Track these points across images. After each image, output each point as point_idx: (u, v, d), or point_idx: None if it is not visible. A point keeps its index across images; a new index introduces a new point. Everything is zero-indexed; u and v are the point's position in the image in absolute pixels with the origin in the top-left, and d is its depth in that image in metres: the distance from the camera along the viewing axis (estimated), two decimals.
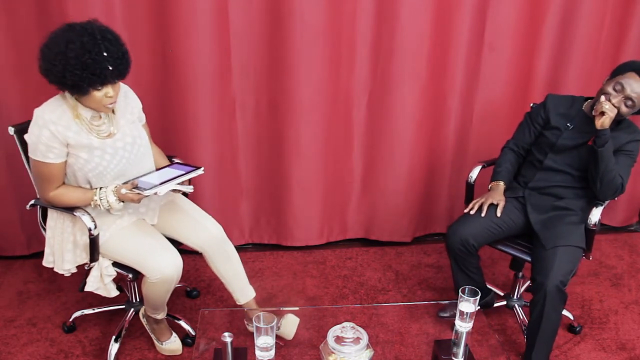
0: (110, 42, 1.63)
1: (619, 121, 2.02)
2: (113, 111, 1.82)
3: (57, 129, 1.69)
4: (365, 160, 2.80)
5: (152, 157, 1.96)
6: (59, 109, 1.72)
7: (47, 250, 1.96)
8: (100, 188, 1.80)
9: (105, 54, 1.60)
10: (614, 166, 1.96)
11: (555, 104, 2.16)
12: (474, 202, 2.12)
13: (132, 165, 1.85)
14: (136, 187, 1.77)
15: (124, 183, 1.82)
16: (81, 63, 1.57)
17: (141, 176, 1.85)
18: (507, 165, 2.22)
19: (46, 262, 1.97)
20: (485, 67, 2.68)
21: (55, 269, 1.95)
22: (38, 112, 1.71)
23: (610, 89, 1.93)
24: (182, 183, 1.83)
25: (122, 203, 1.80)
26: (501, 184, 2.18)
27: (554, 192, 2.10)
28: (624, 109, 1.93)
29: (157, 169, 1.92)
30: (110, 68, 1.62)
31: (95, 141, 1.76)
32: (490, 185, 2.21)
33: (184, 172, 1.83)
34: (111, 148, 1.79)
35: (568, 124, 2.09)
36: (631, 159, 2.02)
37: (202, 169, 1.86)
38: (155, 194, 1.74)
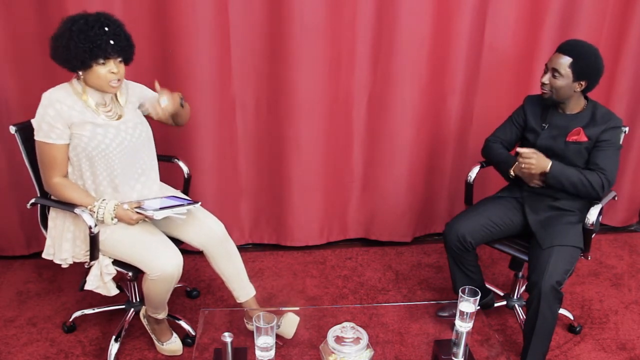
0: (113, 23, 1.77)
1: (593, 113, 2.03)
2: (117, 97, 1.90)
3: (62, 108, 1.77)
4: (365, 160, 2.80)
5: (155, 150, 2.02)
6: (65, 91, 1.81)
7: (48, 242, 1.98)
8: (104, 200, 1.84)
9: (106, 29, 1.72)
10: (578, 174, 1.97)
11: (532, 105, 2.17)
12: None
13: (134, 151, 1.90)
14: (139, 207, 1.85)
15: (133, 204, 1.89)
16: (84, 35, 1.70)
17: (146, 199, 1.94)
18: (504, 151, 2.21)
19: (46, 254, 1.98)
20: (485, 67, 2.68)
21: (53, 260, 1.96)
22: (45, 94, 1.80)
23: (541, 79, 2.02)
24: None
25: (116, 219, 1.85)
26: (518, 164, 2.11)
27: (550, 193, 2.10)
28: (556, 83, 1.98)
29: (160, 197, 1.99)
30: (112, 42, 1.73)
31: (99, 120, 1.82)
32: (514, 173, 2.12)
33: (183, 204, 1.93)
34: (114, 128, 1.85)
35: (543, 124, 2.10)
36: (613, 148, 2.01)
37: (200, 203, 1.99)
38: (153, 216, 1.83)
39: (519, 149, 2.01)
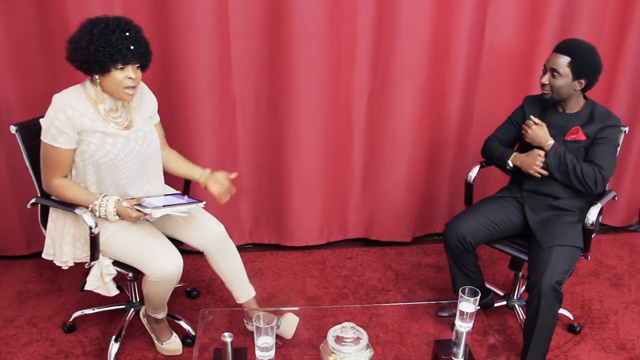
0: (134, 28, 1.76)
1: (591, 112, 2.04)
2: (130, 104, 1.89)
3: (75, 114, 1.74)
4: (365, 160, 2.80)
5: (162, 158, 2.01)
6: (78, 95, 1.78)
7: (47, 242, 1.97)
8: (104, 196, 1.83)
9: (127, 34, 1.71)
10: (574, 161, 1.99)
11: (532, 104, 2.18)
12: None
13: (142, 160, 1.89)
14: (139, 205, 1.83)
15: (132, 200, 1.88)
16: (105, 39, 1.68)
17: (148, 197, 1.92)
18: (501, 146, 2.22)
19: (46, 254, 1.98)
20: (485, 67, 2.68)
21: (54, 261, 1.96)
22: (57, 97, 1.77)
23: (541, 80, 2.03)
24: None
25: (118, 217, 1.84)
26: (516, 153, 2.14)
27: (550, 193, 2.10)
28: (556, 82, 1.99)
29: (164, 195, 1.97)
30: (132, 47, 1.72)
31: (109, 129, 1.80)
32: (512, 164, 2.12)
33: (185, 202, 1.92)
34: (123, 138, 1.83)
35: None
36: (610, 145, 2.01)
37: (204, 202, 1.95)
38: (151, 214, 1.81)
39: (531, 116, 2.07)
